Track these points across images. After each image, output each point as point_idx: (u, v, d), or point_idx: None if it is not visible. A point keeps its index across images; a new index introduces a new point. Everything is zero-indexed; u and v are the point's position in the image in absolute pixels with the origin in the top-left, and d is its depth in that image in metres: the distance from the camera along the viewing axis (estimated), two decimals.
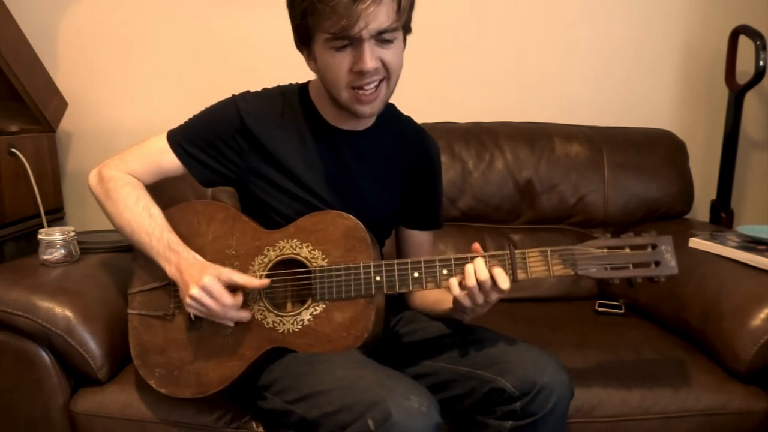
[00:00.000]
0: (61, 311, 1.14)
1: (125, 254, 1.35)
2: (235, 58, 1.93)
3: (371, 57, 0.96)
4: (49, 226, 1.70)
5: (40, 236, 1.29)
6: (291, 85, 1.16)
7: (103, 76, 1.95)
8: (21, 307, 1.13)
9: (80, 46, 1.93)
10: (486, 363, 1.03)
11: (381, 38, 0.96)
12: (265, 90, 1.16)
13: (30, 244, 1.52)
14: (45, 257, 1.28)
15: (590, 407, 1.17)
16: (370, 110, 1.03)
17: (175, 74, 1.95)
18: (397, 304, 1.26)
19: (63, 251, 1.29)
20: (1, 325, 1.15)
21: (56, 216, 1.89)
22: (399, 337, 1.18)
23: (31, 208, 1.73)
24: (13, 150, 1.65)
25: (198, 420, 1.14)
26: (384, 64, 0.99)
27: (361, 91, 1.00)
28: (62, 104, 1.90)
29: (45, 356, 1.16)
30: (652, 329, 1.44)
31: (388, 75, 1.01)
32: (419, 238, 1.25)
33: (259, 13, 1.90)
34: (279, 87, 1.16)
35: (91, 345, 1.15)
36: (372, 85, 1.00)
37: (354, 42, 0.96)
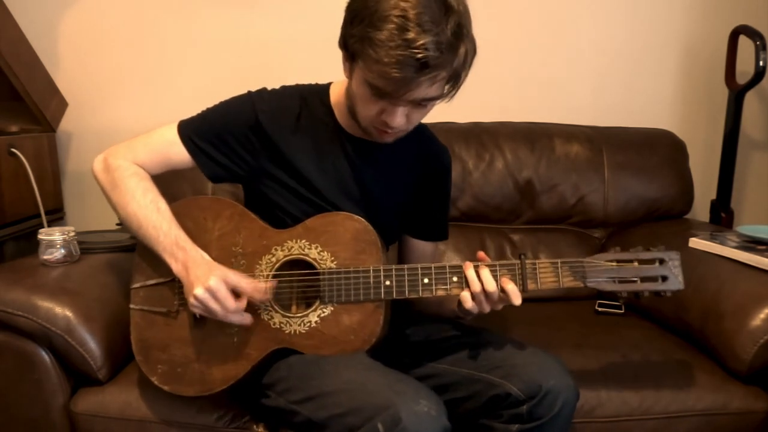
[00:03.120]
0: (61, 311, 1.14)
1: (125, 254, 1.36)
2: (235, 58, 1.93)
3: (402, 116, 0.96)
4: (49, 226, 1.70)
5: (40, 236, 1.29)
6: (311, 85, 1.15)
7: (103, 76, 1.95)
8: (21, 307, 1.13)
9: (80, 46, 1.93)
10: (490, 366, 1.02)
11: (418, 103, 0.95)
12: (283, 89, 1.14)
13: (30, 244, 1.52)
14: (45, 257, 1.28)
15: (590, 407, 1.17)
16: (386, 140, 1.05)
17: (176, 74, 1.95)
18: (401, 305, 1.26)
19: (63, 251, 1.29)
20: (1, 325, 1.15)
21: (56, 216, 1.89)
22: (402, 339, 1.18)
23: (31, 208, 1.73)
24: (13, 150, 1.65)
25: (198, 420, 1.14)
26: (408, 120, 0.99)
27: (383, 131, 1.01)
28: (62, 104, 1.90)
29: (45, 356, 1.16)
30: (652, 329, 1.44)
31: (407, 128, 1.02)
32: (424, 248, 1.25)
33: (260, 13, 1.90)
34: (299, 87, 1.14)
35: (91, 345, 1.15)
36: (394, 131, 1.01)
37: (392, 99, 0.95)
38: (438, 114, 1.79)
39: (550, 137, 1.78)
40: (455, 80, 0.93)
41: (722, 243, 1.42)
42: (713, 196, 1.94)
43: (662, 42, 1.96)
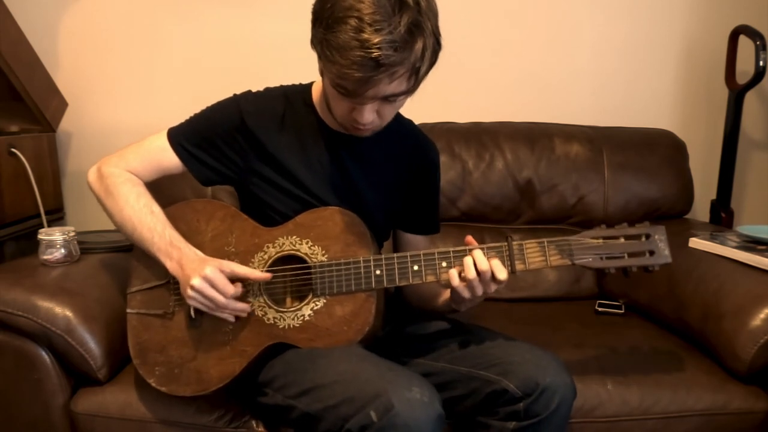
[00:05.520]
0: (61, 311, 1.14)
1: (125, 254, 1.35)
2: (235, 58, 1.93)
3: (370, 112, 0.98)
4: (49, 226, 1.71)
5: (40, 236, 1.29)
6: (294, 85, 1.17)
7: (103, 76, 1.95)
8: (21, 307, 1.13)
9: (80, 46, 1.94)
10: (488, 364, 1.03)
11: (385, 99, 0.96)
12: (267, 90, 1.16)
13: (30, 244, 1.53)
14: (45, 257, 1.28)
15: (590, 407, 1.17)
16: (363, 135, 1.06)
17: (175, 74, 1.95)
18: (396, 304, 1.26)
19: (63, 251, 1.29)
20: (1, 325, 1.15)
21: (56, 216, 1.89)
22: (399, 337, 1.18)
23: (31, 208, 1.73)
24: (13, 150, 1.65)
25: (198, 420, 1.14)
26: (379, 116, 1.00)
27: (356, 128, 1.03)
28: (62, 104, 1.90)
29: (45, 356, 1.16)
30: (652, 329, 1.44)
31: (381, 123, 1.03)
32: (417, 242, 1.26)
33: (259, 14, 1.90)
34: (282, 87, 1.17)
35: (91, 345, 1.15)
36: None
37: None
38: (438, 114, 1.81)
39: (550, 137, 1.78)
40: (416, 75, 0.94)
41: (722, 243, 1.42)
42: (713, 196, 1.94)
43: (662, 42, 1.96)
